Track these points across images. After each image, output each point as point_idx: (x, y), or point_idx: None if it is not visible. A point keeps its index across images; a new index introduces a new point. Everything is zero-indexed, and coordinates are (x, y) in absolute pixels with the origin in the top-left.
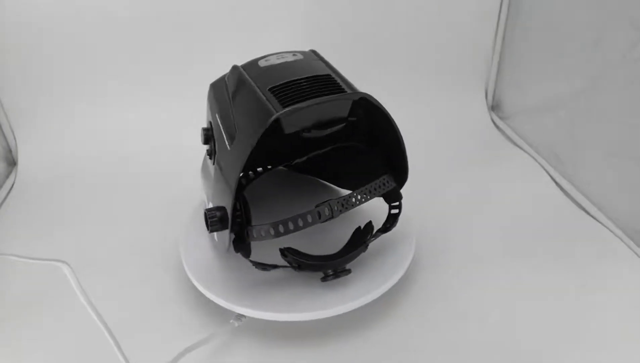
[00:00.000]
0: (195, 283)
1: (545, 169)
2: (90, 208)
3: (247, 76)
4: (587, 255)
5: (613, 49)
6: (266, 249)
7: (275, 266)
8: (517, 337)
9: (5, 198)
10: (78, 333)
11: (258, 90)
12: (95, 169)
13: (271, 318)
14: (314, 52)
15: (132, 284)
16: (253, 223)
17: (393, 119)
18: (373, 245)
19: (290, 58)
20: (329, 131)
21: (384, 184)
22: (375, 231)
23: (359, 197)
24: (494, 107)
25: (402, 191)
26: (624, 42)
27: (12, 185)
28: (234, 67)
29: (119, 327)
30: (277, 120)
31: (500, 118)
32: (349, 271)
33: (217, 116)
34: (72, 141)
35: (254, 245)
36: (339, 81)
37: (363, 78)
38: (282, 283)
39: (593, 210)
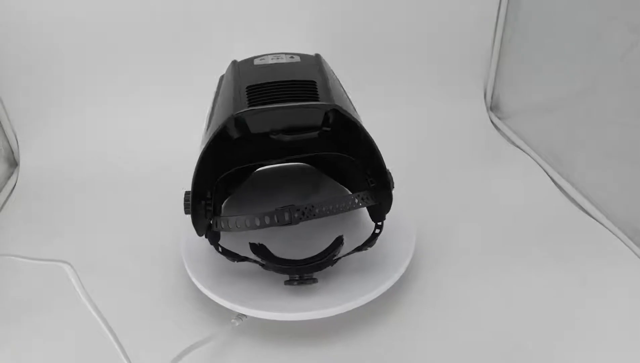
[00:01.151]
0: (197, 283)
1: (544, 170)
2: (92, 208)
3: (237, 72)
4: (586, 255)
5: (611, 50)
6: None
7: (245, 259)
8: (517, 337)
9: (7, 199)
10: (79, 333)
11: (237, 87)
12: (96, 169)
13: (272, 318)
14: (317, 56)
15: (133, 284)
16: (222, 214)
17: (371, 137)
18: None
19: (284, 60)
20: (295, 137)
21: (356, 200)
22: (353, 248)
23: (323, 209)
24: (493, 107)
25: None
26: (622, 44)
27: (14, 186)
28: (233, 62)
29: (120, 327)
30: (242, 120)
31: (499, 118)
32: (315, 280)
33: (210, 107)
34: (73, 141)
35: (250, 234)
36: (319, 89)
37: (362, 79)
38: (283, 282)
39: (592, 210)
